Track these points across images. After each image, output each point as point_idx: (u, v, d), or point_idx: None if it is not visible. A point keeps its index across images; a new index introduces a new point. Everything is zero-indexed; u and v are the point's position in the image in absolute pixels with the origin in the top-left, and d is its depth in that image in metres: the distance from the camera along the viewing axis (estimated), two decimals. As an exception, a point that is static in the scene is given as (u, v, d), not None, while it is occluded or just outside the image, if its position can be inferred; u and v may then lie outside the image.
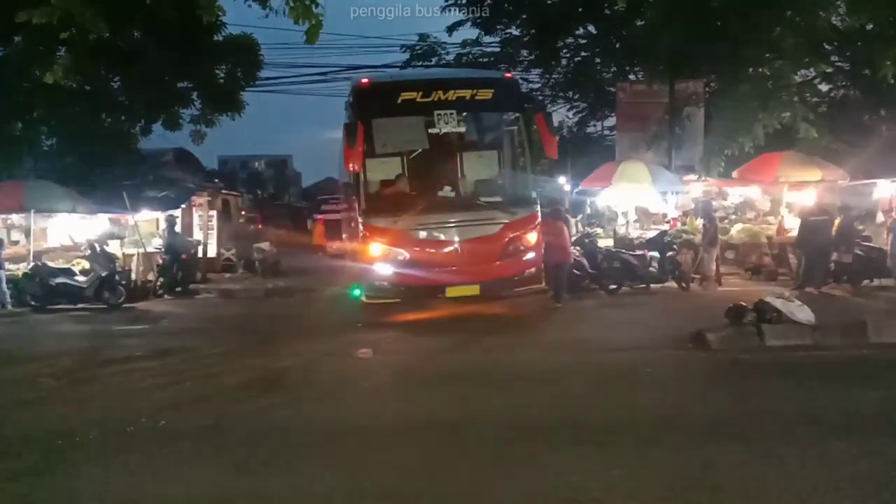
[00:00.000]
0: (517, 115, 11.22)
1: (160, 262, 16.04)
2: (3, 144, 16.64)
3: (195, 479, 4.82)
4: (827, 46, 16.66)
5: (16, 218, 15.71)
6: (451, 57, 24.26)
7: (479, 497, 4.38)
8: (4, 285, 13.45)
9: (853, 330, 8.61)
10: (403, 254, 10.32)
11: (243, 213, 25.21)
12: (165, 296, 15.30)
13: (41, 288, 13.50)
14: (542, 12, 22.51)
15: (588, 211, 18.27)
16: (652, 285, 13.37)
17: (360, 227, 10.62)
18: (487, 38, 24.29)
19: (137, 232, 16.46)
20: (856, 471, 4.59)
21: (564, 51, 24.47)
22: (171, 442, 5.63)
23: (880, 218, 14.75)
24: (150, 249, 16.47)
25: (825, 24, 15.84)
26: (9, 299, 13.49)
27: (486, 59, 24.25)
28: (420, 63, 23.89)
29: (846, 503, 4.17)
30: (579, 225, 17.44)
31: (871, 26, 15.96)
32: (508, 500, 4.33)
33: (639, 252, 13.60)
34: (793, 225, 14.70)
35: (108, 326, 11.86)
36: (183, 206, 18.96)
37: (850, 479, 4.45)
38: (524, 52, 24.45)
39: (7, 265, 13.83)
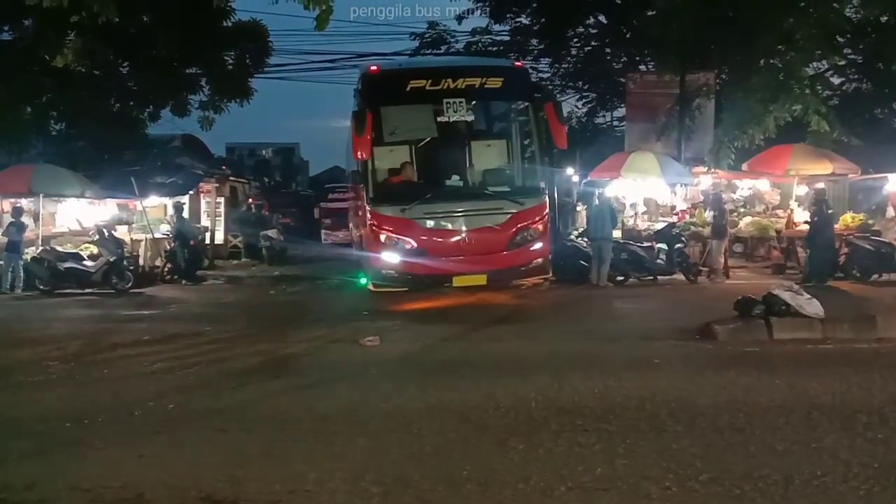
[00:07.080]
0: (527, 104, 11.17)
1: (168, 247, 16.10)
2: (12, 128, 16.65)
3: (200, 463, 4.83)
4: (840, 39, 16.49)
5: (24, 202, 15.77)
6: (460, 45, 24.19)
7: (481, 485, 4.38)
8: (21, 269, 13.54)
9: (862, 324, 8.57)
10: (411, 242, 10.33)
11: (250, 200, 25.25)
12: (183, 281, 15.34)
13: (50, 272, 13.59)
14: (553, 1, 22.36)
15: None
16: (659, 277, 13.34)
17: (368, 215, 10.62)
18: (497, 27, 24.23)
19: (145, 217, 16.51)
20: (862, 463, 4.57)
21: (574, 40, 24.35)
22: (178, 426, 5.65)
23: (891, 213, 14.67)
24: (157, 235, 16.53)
25: (839, 16, 15.67)
26: (20, 283, 13.56)
27: (495, 48, 24.14)
28: (429, 51, 23.81)
29: (854, 496, 4.15)
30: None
31: (886, 18, 15.80)
32: (512, 488, 4.32)
33: (647, 244, 13.57)
34: (802, 218, 14.64)
35: (116, 311, 11.91)
36: (191, 192, 19.02)
37: (858, 471, 4.44)
38: (534, 42, 24.35)
39: (18, 249, 13.89)
